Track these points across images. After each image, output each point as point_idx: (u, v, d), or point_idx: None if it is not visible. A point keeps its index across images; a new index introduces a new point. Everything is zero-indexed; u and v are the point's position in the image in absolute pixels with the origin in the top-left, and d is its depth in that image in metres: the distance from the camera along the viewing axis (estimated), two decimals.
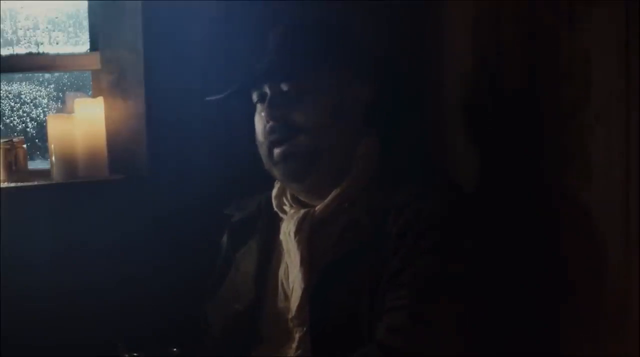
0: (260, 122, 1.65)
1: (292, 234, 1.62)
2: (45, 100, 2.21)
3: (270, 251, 1.69)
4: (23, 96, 2.20)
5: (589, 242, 1.47)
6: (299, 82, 1.61)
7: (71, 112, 2.08)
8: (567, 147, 1.51)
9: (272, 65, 1.63)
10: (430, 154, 1.96)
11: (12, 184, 2.01)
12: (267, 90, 1.63)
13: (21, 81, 2.20)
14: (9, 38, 2.14)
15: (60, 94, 2.21)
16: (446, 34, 1.93)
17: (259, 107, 1.66)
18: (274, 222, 1.71)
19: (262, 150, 1.65)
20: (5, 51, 2.13)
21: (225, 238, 1.79)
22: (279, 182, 1.71)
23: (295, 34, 1.66)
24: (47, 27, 2.16)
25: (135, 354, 1.53)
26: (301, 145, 1.59)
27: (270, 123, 1.61)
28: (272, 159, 1.63)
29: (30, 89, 2.20)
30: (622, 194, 1.38)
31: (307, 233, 1.61)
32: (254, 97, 1.66)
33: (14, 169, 2.02)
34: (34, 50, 2.15)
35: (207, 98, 1.73)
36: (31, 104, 2.20)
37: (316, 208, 1.63)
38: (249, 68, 1.69)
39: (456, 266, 1.49)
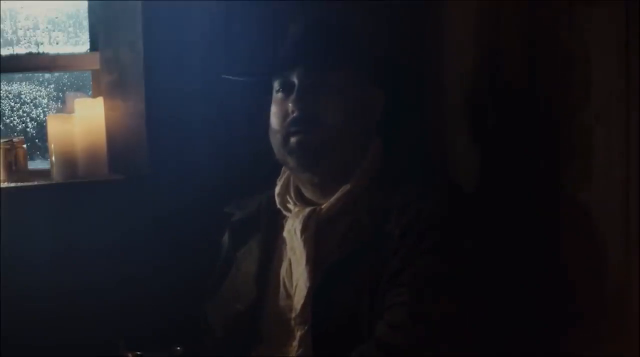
0: (279, 111, 1.63)
1: (298, 232, 1.62)
2: (45, 100, 2.21)
3: (272, 250, 1.69)
4: (23, 96, 2.20)
5: (589, 242, 1.47)
6: (329, 77, 1.60)
7: (71, 112, 2.08)
8: (567, 147, 1.51)
9: (299, 51, 1.62)
10: (430, 154, 1.96)
11: (12, 184, 2.01)
12: (294, 79, 1.62)
13: (21, 81, 2.20)
14: (9, 38, 2.14)
15: (60, 94, 2.21)
16: (446, 34, 1.93)
17: (279, 95, 1.64)
18: (275, 221, 1.71)
19: (276, 140, 1.64)
20: (5, 51, 2.13)
21: (225, 237, 1.79)
22: (281, 180, 1.71)
23: (321, 29, 1.65)
24: (47, 27, 2.16)
25: (138, 353, 1.53)
26: (318, 137, 1.59)
27: (295, 114, 1.60)
28: (287, 147, 1.62)
29: (30, 89, 2.20)
30: (622, 194, 1.38)
31: (313, 231, 1.61)
32: (276, 85, 1.65)
33: (14, 169, 2.02)
34: (34, 50, 2.15)
35: (224, 75, 1.72)
36: (31, 104, 2.20)
37: (322, 206, 1.63)
38: (273, 55, 1.68)
39: (456, 266, 1.49)
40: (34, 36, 2.15)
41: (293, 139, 1.60)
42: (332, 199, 1.62)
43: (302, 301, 1.58)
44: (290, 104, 1.60)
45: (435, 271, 1.48)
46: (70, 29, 2.18)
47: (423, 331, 1.45)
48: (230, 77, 1.70)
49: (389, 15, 2.03)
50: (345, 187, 1.62)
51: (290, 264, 1.64)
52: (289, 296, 1.62)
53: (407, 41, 2.02)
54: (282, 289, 1.64)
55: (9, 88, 2.19)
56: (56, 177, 2.05)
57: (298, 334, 1.59)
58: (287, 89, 1.62)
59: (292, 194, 1.69)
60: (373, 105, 1.65)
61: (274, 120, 1.64)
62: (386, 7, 2.03)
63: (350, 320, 1.51)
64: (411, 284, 1.47)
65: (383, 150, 1.66)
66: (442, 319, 1.46)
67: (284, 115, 1.61)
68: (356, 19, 1.84)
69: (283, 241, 1.66)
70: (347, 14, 1.88)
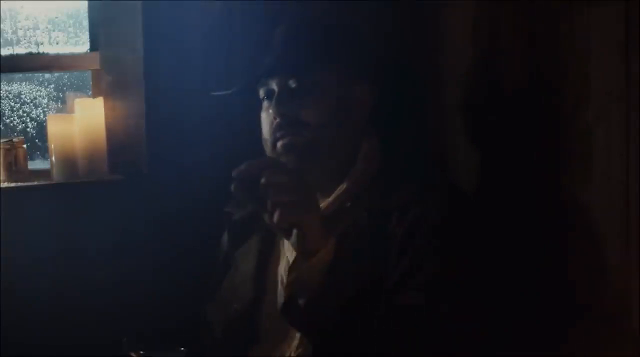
0: (266, 119, 1.65)
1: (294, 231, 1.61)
2: (45, 100, 2.21)
3: (270, 250, 1.69)
4: (23, 96, 2.20)
5: (589, 242, 1.47)
6: (306, 79, 1.61)
7: (71, 112, 2.08)
8: (567, 147, 1.51)
9: (279, 59, 1.64)
10: (430, 154, 1.96)
11: (12, 184, 2.01)
12: (274, 87, 1.63)
13: (21, 81, 2.20)
14: (9, 38, 2.14)
15: (60, 94, 2.21)
16: (446, 34, 1.93)
17: (265, 104, 1.66)
18: None
19: (267, 147, 1.65)
20: (5, 51, 2.13)
21: (225, 237, 1.79)
22: None
23: (300, 31, 1.66)
24: (47, 27, 2.16)
25: (141, 353, 1.53)
26: (303, 138, 1.59)
27: (278, 120, 1.61)
28: (275, 152, 1.63)
29: (30, 89, 2.20)
30: (622, 194, 1.38)
31: None
32: (261, 93, 1.66)
33: (14, 169, 2.02)
34: (34, 50, 2.15)
35: (213, 93, 1.73)
36: (31, 104, 2.20)
37: (320, 206, 1.63)
38: (255, 64, 1.69)
39: (464, 265, 1.48)
40: (34, 36, 2.15)
41: (279, 144, 1.61)
42: (330, 198, 1.62)
43: None
44: (271, 111, 1.61)
45: (445, 270, 1.47)
46: (70, 29, 2.18)
47: (442, 332, 1.44)
48: (217, 93, 1.72)
49: (389, 15, 2.03)
50: (342, 187, 1.62)
51: (288, 263, 1.63)
52: None
53: (404, 39, 2.02)
54: (280, 288, 1.64)
55: (9, 88, 2.19)
56: (56, 177, 2.05)
57: (298, 333, 1.59)
58: (270, 96, 1.64)
59: None
60: (361, 103, 1.65)
61: (263, 128, 1.66)
62: (386, 7, 2.03)
63: (349, 320, 1.51)
64: (424, 285, 1.46)
65: (379, 148, 1.66)
66: (458, 320, 1.46)
67: (270, 122, 1.63)
68: (343, 18, 1.83)
69: (282, 240, 1.66)
70: (333, 13, 1.87)
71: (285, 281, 1.55)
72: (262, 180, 1.39)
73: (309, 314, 1.42)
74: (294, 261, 1.45)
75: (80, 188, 2.03)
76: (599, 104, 1.43)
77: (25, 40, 2.15)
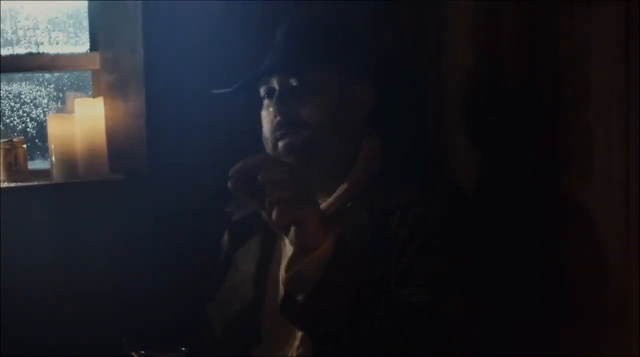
0: (267, 118, 1.65)
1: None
2: (45, 100, 2.21)
3: (271, 250, 1.69)
4: (23, 96, 2.20)
5: (589, 243, 1.47)
6: (307, 78, 1.61)
7: (71, 112, 2.08)
8: (567, 147, 1.51)
9: (280, 58, 1.64)
10: (430, 154, 1.96)
11: (12, 184, 2.01)
12: (275, 85, 1.63)
13: (21, 81, 2.20)
14: (9, 38, 2.14)
15: (60, 94, 2.21)
16: (446, 33, 1.93)
17: (266, 102, 1.66)
18: None
19: (268, 146, 1.65)
20: (5, 51, 2.13)
21: (225, 237, 1.79)
22: None
23: (301, 31, 1.67)
24: (47, 27, 2.16)
25: (142, 353, 1.53)
26: (302, 137, 1.60)
27: (278, 118, 1.61)
28: (276, 152, 1.63)
29: (30, 89, 2.20)
30: (622, 194, 1.38)
31: None
32: (262, 92, 1.66)
33: (14, 169, 2.03)
34: (34, 50, 2.15)
35: (214, 91, 1.73)
36: (31, 104, 2.20)
37: (321, 206, 1.63)
38: (256, 62, 1.69)
39: (464, 265, 1.48)
40: (34, 36, 2.16)
41: (280, 143, 1.61)
42: (331, 198, 1.63)
43: None
44: (271, 109, 1.61)
45: (445, 270, 1.47)
46: (70, 29, 2.18)
47: (441, 331, 1.44)
48: (219, 91, 1.72)
49: (390, 15, 2.03)
50: (343, 187, 1.63)
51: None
52: None
53: (404, 39, 2.03)
54: (281, 288, 1.64)
55: (9, 88, 2.19)
56: (56, 177, 2.05)
57: (299, 333, 1.59)
58: (270, 94, 1.64)
59: None
60: (361, 103, 1.65)
61: (264, 127, 1.66)
62: (386, 7, 2.03)
63: (348, 318, 1.51)
64: (424, 284, 1.46)
65: (380, 148, 1.66)
66: (458, 320, 1.46)
67: (271, 120, 1.63)
68: (343, 18, 1.84)
69: (282, 240, 1.66)
70: (333, 13, 1.87)
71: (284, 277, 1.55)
72: (260, 177, 1.38)
73: (307, 311, 1.42)
74: (291, 257, 1.43)
75: (80, 188, 2.04)
76: (599, 104, 1.43)
77: (25, 40, 2.15)
